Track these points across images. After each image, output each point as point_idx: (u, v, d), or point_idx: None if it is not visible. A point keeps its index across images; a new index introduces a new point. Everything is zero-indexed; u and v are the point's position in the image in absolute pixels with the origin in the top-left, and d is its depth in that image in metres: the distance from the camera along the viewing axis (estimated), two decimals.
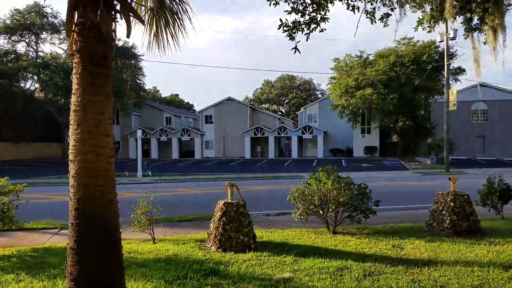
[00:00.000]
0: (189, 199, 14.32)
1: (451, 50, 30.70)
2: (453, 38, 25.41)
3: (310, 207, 7.32)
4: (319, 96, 70.47)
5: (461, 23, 6.86)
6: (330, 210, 7.07)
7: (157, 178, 22.88)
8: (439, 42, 28.39)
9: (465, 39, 7.03)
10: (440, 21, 6.90)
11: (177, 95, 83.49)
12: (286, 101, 78.23)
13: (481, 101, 38.50)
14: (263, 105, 77.81)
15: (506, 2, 7.05)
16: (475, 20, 6.78)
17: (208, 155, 46.23)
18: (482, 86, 38.58)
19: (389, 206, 12.03)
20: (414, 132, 37.47)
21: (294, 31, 6.28)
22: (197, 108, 70.79)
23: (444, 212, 6.70)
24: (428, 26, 6.96)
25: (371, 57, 38.86)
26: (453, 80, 37.08)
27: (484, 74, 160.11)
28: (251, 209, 7.48)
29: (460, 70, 37.44)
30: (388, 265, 4.83)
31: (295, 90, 76.57)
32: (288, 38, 6.31)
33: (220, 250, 5.77)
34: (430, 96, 36.49)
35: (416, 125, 36.93)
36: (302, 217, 7.39)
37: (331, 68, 40.27)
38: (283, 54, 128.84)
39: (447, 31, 25.25)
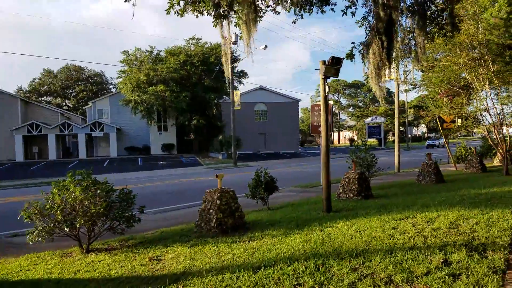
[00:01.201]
0: None
1: (235, 54, 33.74)
2: (235, 43, 27.73)
3: (54, 224, 5.60)
4: (113, 90, 65.38)
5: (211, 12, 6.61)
6: (80, 224, 5.57)
7: None
8: (224, 45, 30.65)
9: (215, 27, 6.86)
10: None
11: None
12: (74, 94, 68.85)
13: (261, 102, 44.46)
14: (44, 98, 65.91)
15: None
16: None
17: None
18: (262, 89, 44.50)
19: (175, 205, 11.45)
20: (207, 129, 39.53)
21: None
22: None
23: (212, 210, 6.32)
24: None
25: (162, 54, 38.47)
26: (238, 82, 41.20)
27: (265, 79, 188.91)
28: None
29: (243, 74, 42.06)
30: None
31: (83, 83, 68.26)
32: None
33: None
34: (220, 96, 39.32)
35: (208, 123, 39.00)
36: (40, 238, 5.57)
37: (121, 61, 37.59)
38: (68, 41, 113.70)
39: (229, 35, 27.30)
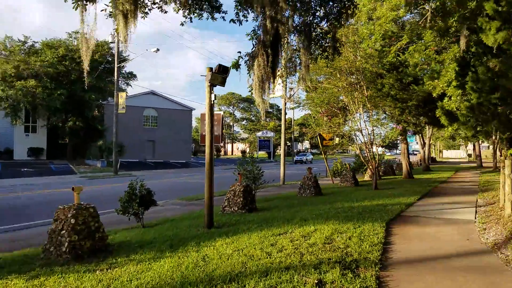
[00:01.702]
0: None
1: (123, 54, 31.34)
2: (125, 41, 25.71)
3: None
4: None
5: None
6: None
7: None
8: (111, 43, 28.23)
9: (75, 9, 5.88)
10: None
11: None
12: None
13: (152, 107, 42.14)
14: None
15: None
16: None
17: None
18: (153, 94, 42.31)
19: (31, 221, 9.49)
20: (85, 133, 35.53)
21: None
22: None
23: (64, 231, 5.15)
24: None
25: (38, 45, 33.54)
26: (125, 84, 38.37)
27: (160, 85, 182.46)
28: None
29: (132, 75, 39.34)
30: None
31: None
32: None
33: None
34: (104, 97, 35.91)
35: (87, 126, 35.10)
36: None
37: None
38: None
39: (117, 33, 25.20)
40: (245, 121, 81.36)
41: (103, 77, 34.71)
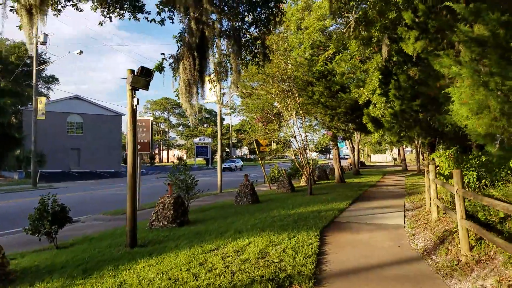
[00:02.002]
0: None
1: (44, 56, 28.59)
2: (44, 43, 23.40)
3: None
4: None
5: None
6: None
7: None
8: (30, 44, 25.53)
9: None
10: None
11: None
12: None
13: (76, 113, 38.92)
14: None
15: None
16: None
17: None
18: (78, 99, 39.22)
19: None
20: (0, 142, 31.63)
21: None
22: None
23: None
24: None
25: None
26: (46, 89, 35.07)
27: (87, 89, 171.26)
28: None
29: (54, 79, 36.09)
30: None
31: None
32: None
33: None
34: (21, 102, 32.40)
35: (2, 134, 31.25)
36: None
37: None
38: None
39: (36, 33, 22.86)
40: (181, 127, 79.27)
41: (21, 81, 31.30)
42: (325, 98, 15.77)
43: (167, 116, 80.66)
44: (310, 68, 15.60)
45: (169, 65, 5.85)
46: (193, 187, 11.49)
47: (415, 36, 6.30)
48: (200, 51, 5.67)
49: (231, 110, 17.04)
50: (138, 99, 6.21)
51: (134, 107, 6.27)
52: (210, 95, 19.23)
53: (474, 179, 7.58)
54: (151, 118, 12.67)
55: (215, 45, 6.92)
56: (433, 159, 9.94)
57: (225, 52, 7.03)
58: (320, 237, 6.69)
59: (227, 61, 7.06)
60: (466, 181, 7.50)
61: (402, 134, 9.96)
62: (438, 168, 10.30)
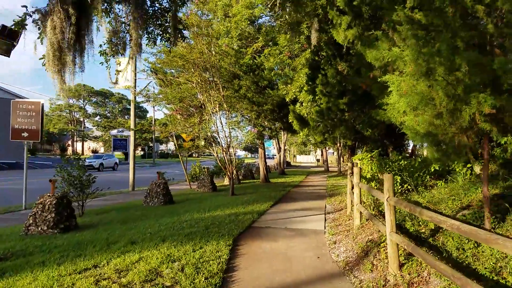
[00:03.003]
0: None
1: None
2: None
3: None
4: None
5: None
6: None
7: None
8: None
9: None
10: None
11: None
12: None
13: None
14: None
15: None
16: None
17: None
18: None
19: None
20: None
21: None
22: None
23: None
24: None
25: None
26: None
27: None
28: None
29: None
30: None
31: None
32: None
33: None
34: None
35: None
36: None
37: None
38: None
39: None
40: (98, 117, 72.90)
41: None
42: (252, 93, 14.91)
43: (82, 105, 73.69)
44: (237, 60, 14.59)
45: (34, 22, 4.27)
46: (89, 184, 9.74)
47: (347, 22, 5.62)
48: (80, 9, 4.23)
49: (146, 98, 15.26)
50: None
51: None
52: (122, 80, 17.18)
53: (398, 184, 7.26)
54: (42, 101, 10.47)
55: (110, 11, 5.47)
56: (355, 162, 9.59)
57: (123, 20, 5.60)
58: (232, 248, 5.67)
59: (126, 31, 5.64)
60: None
61: (326, 136, 9.47)
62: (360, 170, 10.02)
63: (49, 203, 7.11)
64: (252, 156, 75.04)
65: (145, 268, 4.41)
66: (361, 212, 6.50)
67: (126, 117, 69.73)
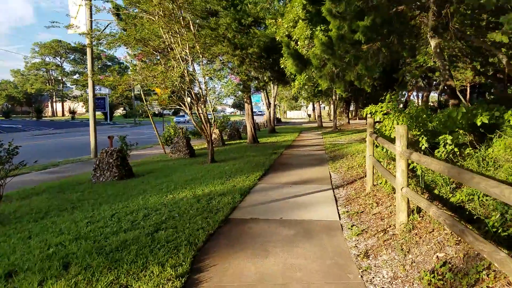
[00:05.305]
0: None
1: None
2: None
3: None
4: None
5: None
6: None
7: None
8: None
9: None
10: None
11: None
12: None
13: None
14: None
15: None
16: None
17: None
18: None
19: None
20: None
21: None
22: None
23: None
24: None
25: None
26: None
27: None
28: None
29: None
30: None
31: None
32: None
33: None
34: None
35: None
36: None
37: None
38: None
39: None
40: (77, 75, 67.85)
41: None
42: (233, 33, 11.77)
43: (60, 62, 68.43)
44: None
45: None
46: (8, 159, 7.01)
47: None
48: None
49: (98, 42, 12.06)
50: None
51: None
52: (77, 22, 13.79)
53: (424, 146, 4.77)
54: None
55: None
56: (372, 116, 6.83)
57: None
58: (188, 277, 3.10)
59: None
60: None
61: (336, 80, 6.61)
62: (376, 126, 7.35)
63: None
64: (241, 113, 71.76)
65: None
66: (408, 199, 3.82)
67: (106, 73, 65.01)
